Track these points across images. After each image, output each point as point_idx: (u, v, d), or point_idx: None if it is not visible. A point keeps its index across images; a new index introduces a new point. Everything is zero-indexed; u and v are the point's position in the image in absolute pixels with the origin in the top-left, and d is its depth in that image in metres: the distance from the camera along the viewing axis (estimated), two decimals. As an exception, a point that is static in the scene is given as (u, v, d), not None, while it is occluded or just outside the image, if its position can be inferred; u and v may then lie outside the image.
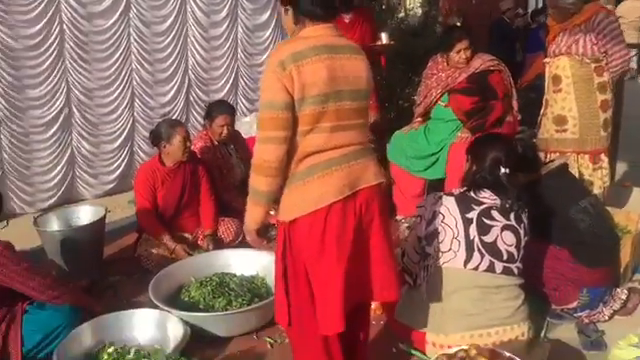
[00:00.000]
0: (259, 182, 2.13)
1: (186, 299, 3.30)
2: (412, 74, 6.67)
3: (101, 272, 3.90)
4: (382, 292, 2.29)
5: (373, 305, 3.12)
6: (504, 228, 2.70)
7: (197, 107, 6.06)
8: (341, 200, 2.13)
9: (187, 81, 5.97)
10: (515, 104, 4.18)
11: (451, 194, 2.79)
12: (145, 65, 5.62)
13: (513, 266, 2.70)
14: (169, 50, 5.77)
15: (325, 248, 2.13)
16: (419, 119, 4.43)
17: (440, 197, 2.80)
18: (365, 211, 2.20)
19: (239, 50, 6.36)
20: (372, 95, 4.83)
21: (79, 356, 2.90)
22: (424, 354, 2.73)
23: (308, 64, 2.06)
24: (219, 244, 4.10)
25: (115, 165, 5.58)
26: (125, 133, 5.58)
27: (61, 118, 5.15)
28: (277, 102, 2.05)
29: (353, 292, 2.20)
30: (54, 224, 4.11)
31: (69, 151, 5.28)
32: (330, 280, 2.15)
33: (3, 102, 4.79)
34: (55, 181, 5.21)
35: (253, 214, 2.20)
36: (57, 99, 5.09)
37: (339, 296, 2.14)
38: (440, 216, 2.74)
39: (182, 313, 3.05)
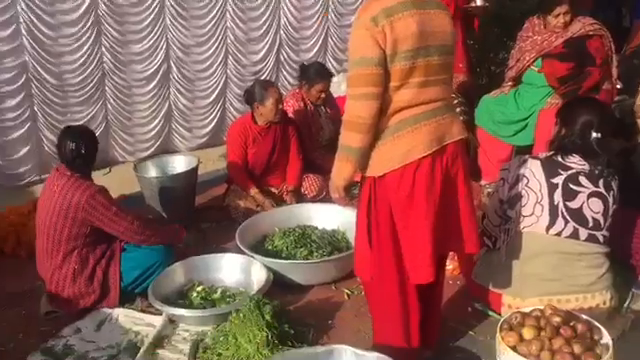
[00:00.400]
0: (351, 138, 2.17)
1: (270, 247, 3.46)
2: (507, 39, 6.43)
3: (192, 218, 4.15)
4: (464, 244, 2.33)
5: (451, 265, 3.17)
6: (591, 195, 2.64)
7: (287, 67, 6.17)
8: (430, 155, 2.17)
9: (278, 40, 6.07)
10: (615, 71, 3.97)
11: (537, 158, 2.75)
12: (239, 23, 5.76)
13: (598, 234, 2.64)
14: (262, 9, 5.87)
15: (414, 202, 2.19)
16: (510, 83, 4.32)
17: (525, 160, 2.76)
18: (451, 165, 2.24)
19: (330, 10, 6.37)
20: (461, 58, 4.80)
21: (171, 293, 3.15)
22: (499, 315, 2.74)
23: (400, 19, 2.07)
24: (302, 199, 4.24)
25: (208, 120, 5.82)
26: (218, 89, 5.78)
27: (160, 73, 5.41)
28: (370, 58, 2.07)
29: (439, 244, 2.25)
30: (152, 171, 4.39)
31: (167, 105, 5.56)
32: (419, 233, 2.21)
33: (108, 56, 5.09)
34: (153, 132, 5.53)
35: (342, 171, 2.24)
36: (157, 54, 5.34)
37: (429, 247, 2.21)
38: (524, 179, 2.71)
39: (266, 259, 3.21)
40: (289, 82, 6.13)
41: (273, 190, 4.30)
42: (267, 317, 2.64)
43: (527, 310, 2.24)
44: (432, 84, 2.18)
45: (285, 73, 6.19)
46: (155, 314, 3.02)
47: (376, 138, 2.19)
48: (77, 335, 2.92)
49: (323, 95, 4.44)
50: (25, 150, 4.87)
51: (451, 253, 2.90)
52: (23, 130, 4.82)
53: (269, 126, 4.14)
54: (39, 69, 4.76)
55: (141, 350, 2.72)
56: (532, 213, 2.68)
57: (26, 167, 4.90)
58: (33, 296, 3.25)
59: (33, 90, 4.79)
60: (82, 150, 3.08)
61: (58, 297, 3.07)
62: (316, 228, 3.64)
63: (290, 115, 4.38)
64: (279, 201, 4.18)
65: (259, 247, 3.47)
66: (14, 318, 3.12)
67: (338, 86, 5.55)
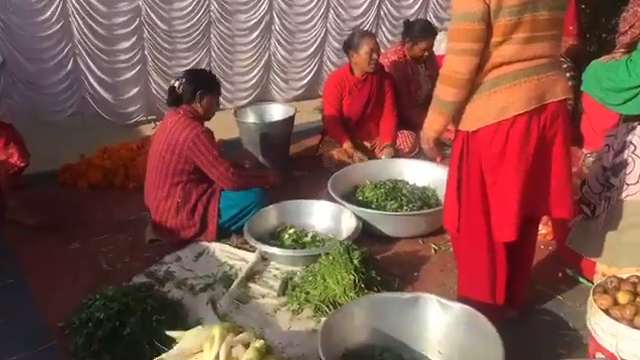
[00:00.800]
0: (446, 93, 2.16)
1: (360, 198, 3.53)
2: (621, 4, 6.04)
3: (287, 166, 4.28)
4: (556, 208, 2.29)
5: (544, 230, 3.12)
6: None
7: (387, 22, 6.12)
8: (527, 113, 2.12)
9: (380, -6, 6.03)
10: None
11: (647, 124, 2.63)
12: (342, -24, 5.77)
13: None
14: (366, -38, 5.85)
15: (505, 159, 2.16)
16: (622, 50, 4.07)
17: (634, 127, 2.65)
18: (550, 126, 2.17)
19: (434, -35, 6.25)
20: (572, 20, 4.56)
21: (264, 232, 3.30)
22: (591, 283, 2.69)
23: None
24: (396, 154, 4.25)
25: (305, 72, 5.92)
26: (317, 42, 5.85)
27: (263, 24, 5.53)
28: (474, 12, 2.03)
29: (528, 204, 2.22)
30: (250, 118, 4.54)
31: (266, 55, 5.70)
32: (507, 190, 2.19)
33: (215, 4, 5.26)
34: (252, 82, 5.70)
35: (434, 123, 2.26)
36: (261, 5, 5.46)
37: (515, 206, 2.19)
38: (631, 147, 2.61)
39: (356, 208, 3.28)
40: (387, 38, 6.09)
41: (366, 144, 4.35)
42: (355, 262, 2.71)
43: (624, 276, 2.19)
44: (538, 40, 2.10)
45: (384, 29, 6.15)
46: (249, 251, 3.19)
47: (472, 92, 2.16)
48: (177, 263, 3.13)
49: (426, 53, 4.40)
50: (135, 91, 5.17)
51: (545, 217, 2.86)
52: (134, 72, 5.11)
53: (365, 78, 4.16)
54: (151, 14, 5.00)
55: (235, 282, 2.89)
56: (637, 182, 2.57)
57: (135, 107, 5.21)
58: (139, 225, 3.51)
59: (145, 34, 5.05)
60: (178, 89, 3.26)
61: (162, 227, 3.30)
62: (407, 183, 3.67)
63: (387, 70, 4.37)
64: (371, 155, 4.22)
65: (350, 197, 3.54)
66: (122, 243, 3.38)
67: (439, 44, 5.43)
